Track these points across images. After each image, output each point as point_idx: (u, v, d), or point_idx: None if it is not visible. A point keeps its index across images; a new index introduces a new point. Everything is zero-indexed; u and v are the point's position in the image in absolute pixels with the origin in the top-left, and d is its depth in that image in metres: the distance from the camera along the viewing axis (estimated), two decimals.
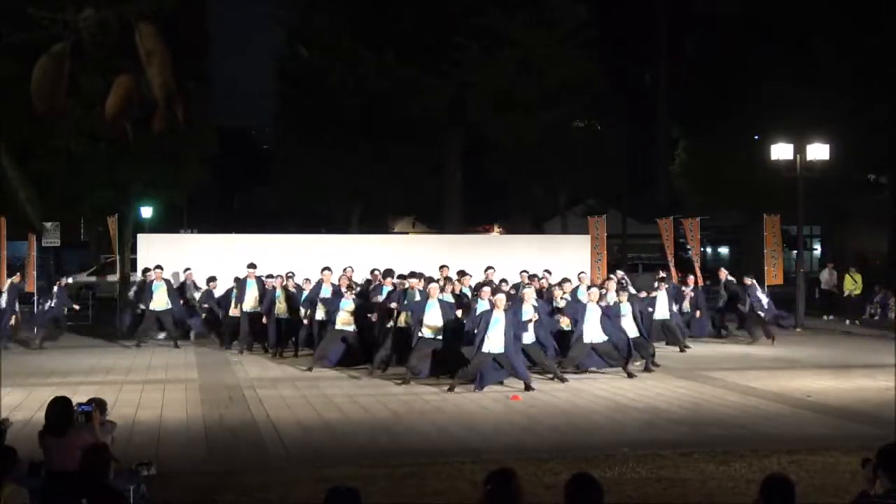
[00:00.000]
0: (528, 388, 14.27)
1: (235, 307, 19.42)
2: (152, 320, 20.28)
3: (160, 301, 20.04)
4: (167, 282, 20.23)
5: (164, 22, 2.28)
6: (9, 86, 14.50)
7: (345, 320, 16.55)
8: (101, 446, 6.18)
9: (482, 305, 14.78)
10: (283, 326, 18.72)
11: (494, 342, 14.16)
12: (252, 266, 19.53)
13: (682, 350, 19.47)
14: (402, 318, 16.10)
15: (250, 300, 19.21)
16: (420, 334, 15.11)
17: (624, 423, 12.12)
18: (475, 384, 14.30)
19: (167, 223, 41.39)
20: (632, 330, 16.34)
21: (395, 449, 10.59)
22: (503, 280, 18.35)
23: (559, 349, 16.14)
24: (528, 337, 15.09)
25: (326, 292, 17.44)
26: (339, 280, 17.65)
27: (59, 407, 6.96)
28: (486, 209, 44.79)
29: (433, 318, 15.11)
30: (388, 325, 16.21)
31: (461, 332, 14.82)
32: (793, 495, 4.64)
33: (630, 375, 15.67)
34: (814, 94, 29.12)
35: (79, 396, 8.10)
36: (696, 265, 25.60)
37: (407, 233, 45.59)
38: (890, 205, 33.57)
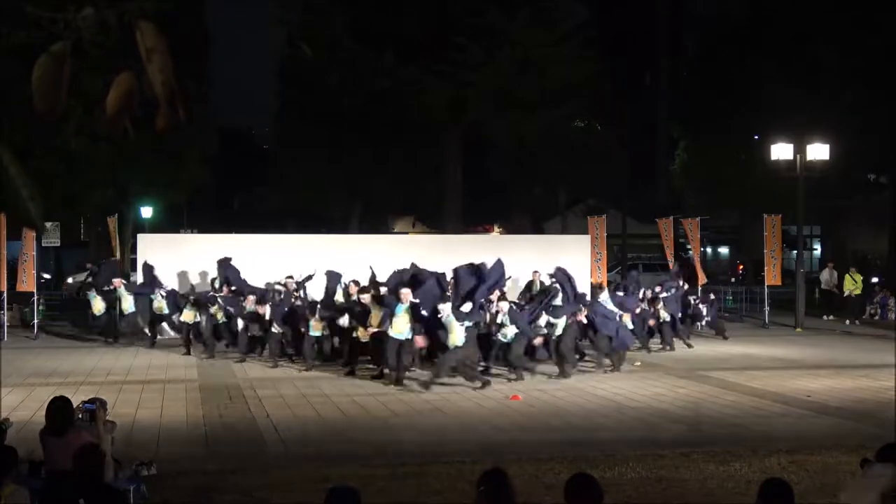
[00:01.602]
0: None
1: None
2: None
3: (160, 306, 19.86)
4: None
5: (164, 21, 2.28)
6: (9, 86, 14.51)
7: (317, 326, 16.82)
8: (93, 445, 6.17)
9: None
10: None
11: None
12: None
13: (669, 350, 19.48)
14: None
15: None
16: (389, 334, 15.18)
17: (624, 423, 12.13)
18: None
19: (167, 223, 41.37)
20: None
21: (395, 449, 10.59)
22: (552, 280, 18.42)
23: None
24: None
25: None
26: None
27: (59, 406, 6.95)
28: (486, 209, 44.79)
29: (401, 321, 15.06)
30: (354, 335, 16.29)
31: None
32: (792, 499, 4.63)
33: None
34: (814, 94, 29.12)
35: (79, 396, 8.10)
36: (697, 265, 25.66)
37: (407, 233, 45.57)
38: (890, 205, 33.56)
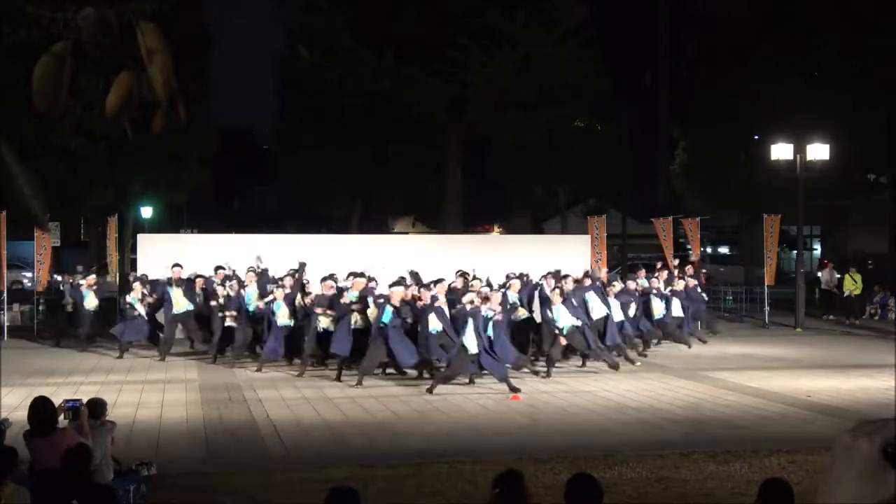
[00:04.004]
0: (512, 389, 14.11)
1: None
2: (173, 328, 18.82)
3: (179, 303, 18.60)
4: (186, 281, 18.93)
5: (165, 21, 2.28)
6: (9, 86, 14.50)
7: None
8: (80, 445, 6.16)
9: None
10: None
11: (470, 343, 14.23)
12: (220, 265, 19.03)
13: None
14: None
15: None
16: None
17: (624, 423, 12.13)
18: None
19: (167, 223, 41.38)
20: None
21: (395, 449, 10.59)
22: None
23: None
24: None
25: (278, 307, 16.82)
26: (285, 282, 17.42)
27: (41, 407, 6.94)
28: (486, 209, 44.79)
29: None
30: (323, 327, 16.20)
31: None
32: (793, 499, 4.63)
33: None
34: (814, 94, 29.10)
35: (79, 396, 8.10)
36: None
37: (407, 233, 45.58)
38: (890, 205, 33.53)
